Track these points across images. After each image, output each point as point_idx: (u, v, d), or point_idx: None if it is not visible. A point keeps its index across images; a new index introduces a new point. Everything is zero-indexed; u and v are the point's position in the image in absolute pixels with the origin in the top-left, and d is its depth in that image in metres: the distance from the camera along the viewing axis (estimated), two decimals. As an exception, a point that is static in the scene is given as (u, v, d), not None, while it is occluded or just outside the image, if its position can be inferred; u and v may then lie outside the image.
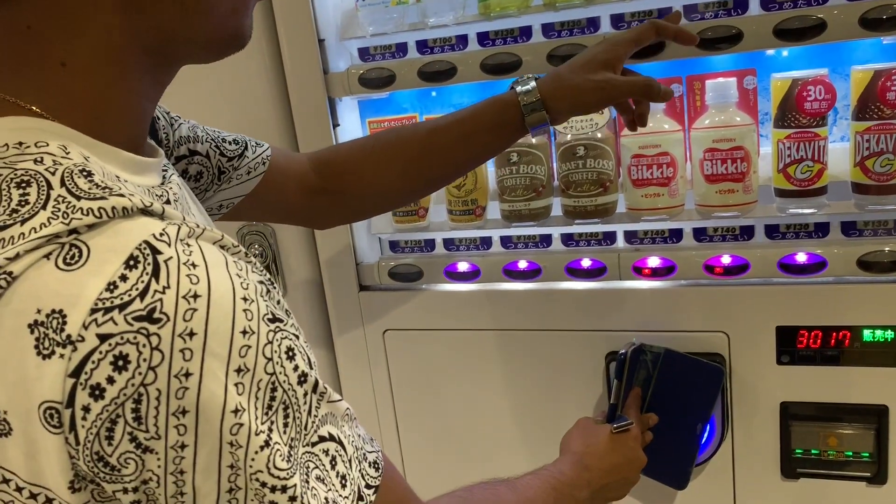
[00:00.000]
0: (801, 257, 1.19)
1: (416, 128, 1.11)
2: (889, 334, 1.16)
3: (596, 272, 1.30)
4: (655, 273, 1.27)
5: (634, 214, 1.27)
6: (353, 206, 1.11)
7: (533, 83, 1.00)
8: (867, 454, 1.22)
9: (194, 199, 0.76)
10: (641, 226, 1.28)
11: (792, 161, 1.18)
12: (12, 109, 0.58)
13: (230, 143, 0.98)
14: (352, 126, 1.43)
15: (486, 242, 1.38)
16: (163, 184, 0.66)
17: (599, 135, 1.26)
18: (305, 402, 0.56)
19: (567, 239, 1.33)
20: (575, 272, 1.31)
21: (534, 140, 1.29)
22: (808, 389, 1.23)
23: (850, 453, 1.23)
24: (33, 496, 0.52)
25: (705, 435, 1.24)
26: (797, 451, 1.26)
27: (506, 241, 1.37)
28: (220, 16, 0.64)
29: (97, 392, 0.49)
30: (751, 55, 1.22)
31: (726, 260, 1.23)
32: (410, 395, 1.45)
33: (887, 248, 1.16)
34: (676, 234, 1.27)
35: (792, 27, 1.11)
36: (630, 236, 1.30)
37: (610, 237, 1.31)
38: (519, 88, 1.01)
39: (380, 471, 0.62)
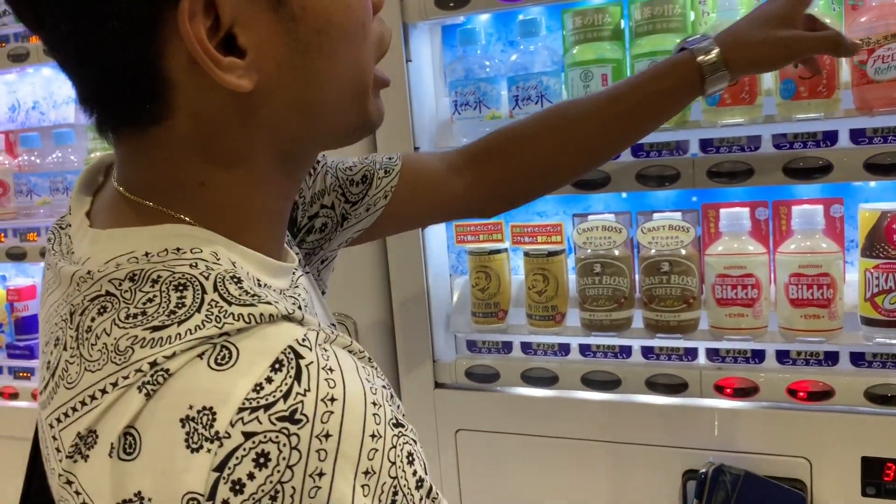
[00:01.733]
0: (889, 389, 1.18)
1: (582, 100, 1.06)
2: (983, 474, 1.13)
3: (677, 388, 1.30)
4: (737, 393, 1.26)
5: (717, 333, 1.28)
6: (515, 188, 1.04)
7: (711, 43, 0.95)
8: None
9: (318, 292, 0.81)
10: (724, 344, 1.29)
11: (880, 291, 1.19)
12: (169, 218, 0.64)
13: (357, 184, 0.95)
14: (437, 230, 1.49)
15: (565, 349, 1.40)
16: (293, 286, 0.71)
17: (684, 252, 1.29)
18: (425, 501, 0.58)
19: (647, 352, 1.34)
20: (654, 386, 1.31)
21: (618, 252, 1.33)
22: (895, 525, 1.19)
23: None
24: None
25: (785, 564, 1.21)
26: (882, 589, 1.21)
27: (585, 349, 1.39)
28: (342, 112, 0.67)
29: (238, 487, 0.52)
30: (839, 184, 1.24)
31: (811, 385, 1.22)
32: (479, 497, 1.45)
33: (979, 385, 1.14)
34: (759, 355, 1.28)
35: (883, 162, 1.14)
36: (712, 354, 1.30)
37: (691, 353, 1.32)
38: (696, 48, 0.95)
39: None
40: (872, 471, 1.19)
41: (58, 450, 0.58)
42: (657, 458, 1.31)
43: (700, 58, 0.94)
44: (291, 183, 0.70)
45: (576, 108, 1.01)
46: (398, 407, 0.60)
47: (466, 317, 1.47)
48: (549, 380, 1.39)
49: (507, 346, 1.45)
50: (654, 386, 1.32)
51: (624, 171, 1.29)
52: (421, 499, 0.58)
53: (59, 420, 0.58)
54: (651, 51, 1.26)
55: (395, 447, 0.56)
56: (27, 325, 1.95)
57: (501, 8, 1.34)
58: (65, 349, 0.59)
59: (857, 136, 1.17)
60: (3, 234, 1.90)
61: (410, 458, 0.58)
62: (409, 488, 0.57)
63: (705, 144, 1.25)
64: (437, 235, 1.48)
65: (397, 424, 0.57)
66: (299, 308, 0.67)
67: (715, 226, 1.32)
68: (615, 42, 1.32)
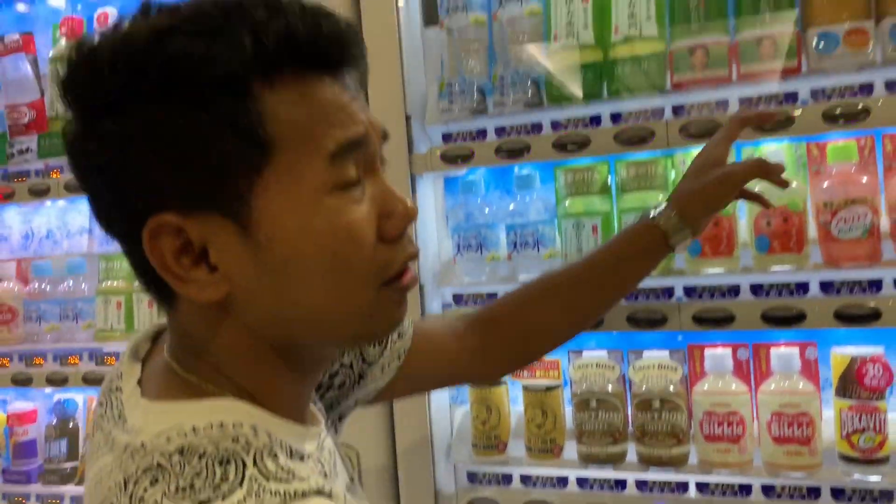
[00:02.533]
0: (869, 522, 1.26)
1: (567, 268, 1.14)
2: None
3: (669, 520, 1.37)
4: (727, 526, 1.33)
5: (706, 467, 1.36)
6: (513, 353, 1.11)
7: (666, 207, 1.05)
8: None
9: (338, 447, 0.87)
10: (713, 478, 1.36)
11: (855, 430, 1.28)
12: (212, 392, 0.70)
13: (373, 345, 1.00)
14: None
15: (563, 481, 1.47)
16: (319, 447, 0.77)
17: (673, 389, 1.38)
18: None
19: (641, 484, 1.41)
20: (649, 518, 1.38)
21: (611, 389, 1.42)
22: None
23: None
24: None
25: None
26: None
27: (581, 482, 1.45)
28: (330, 327, 0.70)
29: None
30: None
31: (796, 519, 1.30)
32: None
33: (952, 519, 1.22)
34: (746, 489, 1.35)
35: (851, 313, 1.26)
36: (702, 487, 1.38)
37: (682, 486, 1.39)
38: (654, 213, 1.06)
39: None
40: None
41: None
42: (654, 590, 1.36)
43: (661, 222, 1.05)
44: (306, 369, 0.75)
45: (562, 279, 1.10)
46: None
47: (467, 447, 1.54)
48: (547, 511, 1.45)
49: (507, 478, 1.51)
50: (649, 518, 1.38)
51: (615, 314, 1.39)
52: None
53: None
54: (636, 206, 1.39)
55: None
56: (25, 451, 1.97)
57: (500, 164, 1.48)
58: None
59: (826, 287, 1.29)
60: (7, 359, 1.94)
61: None
62: None
63: (689, 291, 1.37)
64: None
65: None
66: (325, 476, 0.73)
67: (700, 365, 1.41)
68: (603, 196, 1.45)
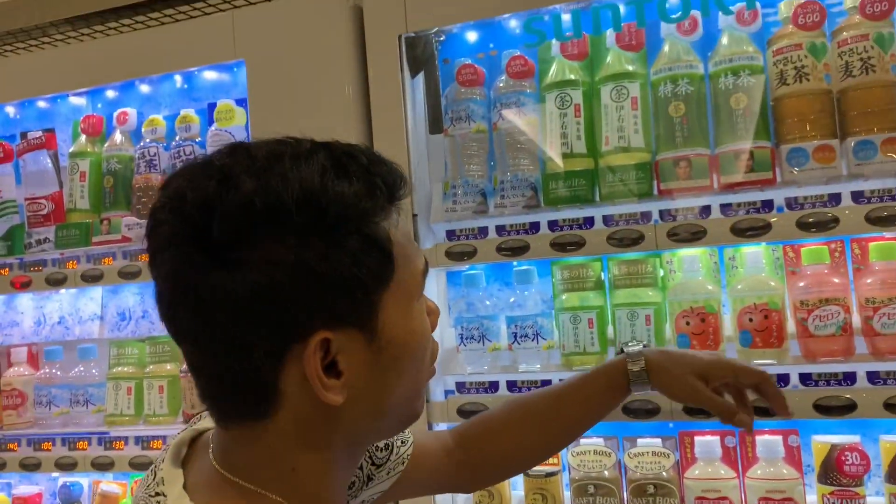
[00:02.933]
0: None
1: (541, 395, 1.23)
2: None
3: None
4: None
5: (702, 549, 1.44)
6: (494, 469, 1.22)
7: (642, 361, 1.12)
8: None
9: None
10: (706, 561, 1.44)
11: (837, 514, 1.37)
12: (264, 498, 0.77)
13: (381, 450, 1.09)
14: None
15: (562, 565, 1.53)
16: None
17: (665, 474, 1.47)
18: None
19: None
20: None
21: (608, 475, 1.49)
22: None
23: None
24: None
25: None
26: None
27: (580, 565, 1.52)
28: (400, 411, 0.83)
29: None
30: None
31: None
32: None
33: None
34: (738, 572, 1.42)
35: (828, 404, 1.36)
36: (696, 571, 1.45)
37: (677, 570, 1.46)
38: (629, 362, 1.13)
39: None
40: None
41: None
42: None
43: (629, 366, 1.13)
44: (355, 462, 0.87)
45: (540, 406, 1.20)
46: None
47: (468, 532, 1.60)
48: None
49: (509, 561, 1.57)
50: None
51: (611, 404, 1.48)
52: None
53: None
54: (629, 301, 1.50)
55: None
56: (29, 535, 1.99)
57: (501, 261, 1.59)
58: None
59: (805, 379, 1.40)
60: (16, 444, 1.97)
61: None
62: None
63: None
64: (442, 454, 1.63)
65: None
66: None
67: (691, 451, 1.50)
68: (597, 291, 1.56)
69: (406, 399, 0.82)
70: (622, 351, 1.16)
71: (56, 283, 1.93)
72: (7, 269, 2.00)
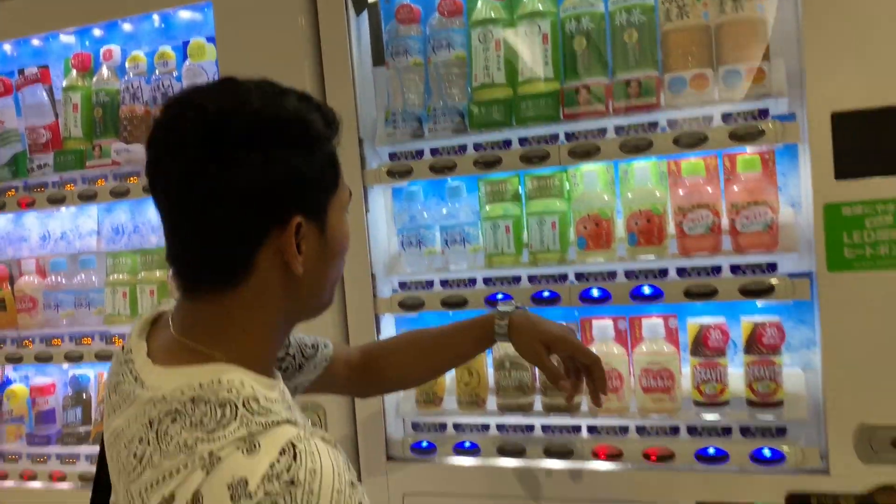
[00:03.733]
0: (712, 450, 1.65)
1: (428, 334, 1.54)
2: (776, 510, 1.60)
3: (566, 453, 1.75)
4: (609, 457, 1.72)
5: (593, 412, 1.75)
6: (384, 383, 1.56)
7: (506, 323, 1.40)
8: None
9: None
10: (599, 421, 1.75)
11: (702, 381, 1.68)
12: (211, 358, 1.00)
13: (309, 347, 1.42)
14: (389, 334, 1.95)
15: (485, 427, 1.85)
16: (281, 391, 1.11)
17: (569, 353, 1.77)
18: None
19: (545, 428, 1.80)
20: (550, 453, 1.76)
21: (522, 354, 1.80)
22: (723, 552, 1.64)
23: None
24: None
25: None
26: None
27: (500, 427, 1.84)
28: (322, 298, 1.11)
29: None
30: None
31: (659, 450, 1.69)
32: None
33: (776, 448, 1.62)
34: (624, 429, 1.74)
35: (698, 291, 1.65)
36: (591, 429, 1.77)
37: (577, 428, 1.78)
38: (499, 313, 1.41)
39: None
40: (704, 511, 1.65)
41: None
42: (554, 509, 1.74)
43: (497, 324, 1.41)
44: (285, 336, 1.12)
45: (420, 341, 1.53)
46: (354, 473, 0.98)
47: (411, 403, 1.92)
48: (473, 451, 1.83)
49: (442, 426, 1.89)
50: (550, 453, 1.77)
51: (522, 293, 1.77)
52: None
53: (146, 489, 0.92)
54: (540, 210, 1.77)
55: (350, 498, 0.93)
56: (46, 418, 2.32)
57: (434, 178, 1.86)
58: (149, 444, 0.94)
59: (680, 271, 1.68)
60: (30, 341, 2.29)
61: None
62: None
63: (579, 276, 1.75)
64: (389, 333, 1.94)
65: (352, 485, 0.95)
66: (289, 408, 1.07)
67: (590, 333, 1.80)
68: (515, 202, 1.83)
69: (329, 287, 1.10)
70: (497, 304, 1.46)
71: (56, 201, 2.20)
72: (13, 191, 2.28)
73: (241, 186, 0.94)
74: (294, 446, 0.90)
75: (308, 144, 0.99)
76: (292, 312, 1.08)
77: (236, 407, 0.93)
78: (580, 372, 1.43)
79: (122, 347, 1.11)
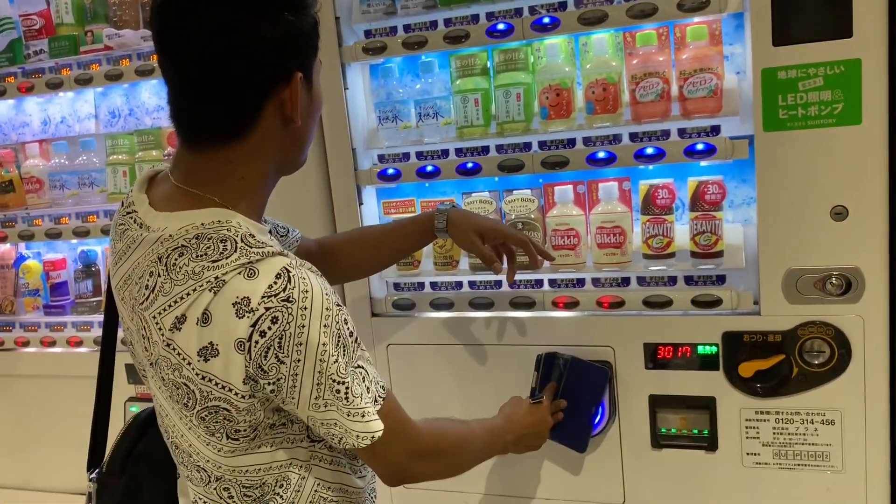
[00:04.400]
0: (660, 298, 1.85)
1: (378, 229, 1.75)
2: (712, 349, 1.80)
3: (529, 305, 1.95)
4: (566, 306, 1.93)
5: (555, 267, 1.94)
6: (338, 271, 1.66)
7: (444, 219, 1.63)
8: (706, 431, 1.84)
9: None
10: (558, 275, 1.95)
11: (650, 236, 1.85)
12: (211, 202, 1.16)
13: (282, 227, 1.56)
14: (371, 205, 2.12)
15: (458, 285, 2.05)
16: (270, 236, 1.29)
17: (532, 215, 1.94)
18: (352, 345, 1.14)
19: (512, 284, 1.99)
20: (516, 305, 1.97)
21: (490, 216, 1.97)
22: (667, 386, 1.86)
23: (696, 431, 1.86)
24: (221, 387, 1.09)
25: (598, 416, 1.86)
26: (662, 429, 1.88)
27: (472, 284, 2.04)
28: (300, 155, 1.27)
29: (263, 333, 1.06)
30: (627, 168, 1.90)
31: (611, 298, 1.89)
32: (406, 391, 2.08)
33: (715, 294, 1.81)
34: (581, 282, 1.94)
35: (647, 153, 1.80)
36: (552, 282, 1.96)
37: (539, 283, 1.97)
38: (438, 212, 1.64)
39: (385, 390, 1.19)
40: (651, 352, 1.86)
41: (160, 329, 1.09)
42: (520, 352, 1.95)
43: (436, 221, 1.64)
44: (271, 189, 1.26)
45: (370, 236, 1.74)
46: (336, 295, 1.18)
47: (392, 266, 2.11)
48: (448, 305, 2.04)
49: (420, 285, 2.09)
50: (515, 305, 1.97)
51: (490, 162, 1.93)
52: (354, 341, 1.14)
53: (160, 313, 1.10)
54: (507, 83, 1.90)
55: (337, 315, 1.11)
56: (60, 290, 2.53)
57: (406, 54, 1.98)
58: (159, 276, 1.11)
59: (633, 137, 1.83)
60: (40, 220, 2.46)
61: (345, 321, 1.13)
62: (346, 335, 1.12)
63: (542, 144, 1.90)
64: (369, 210, 2.11)
65: (338, 304, 1.13)
66: (280, 245, 1.26)
67: (552, 197, 1.97)
68: (484, 76, 1.96)
69: (308, 143, 1.25)
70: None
71: (54, 86, 2.33)
72: (12, 77, 2.40)
73: (255, 45, 1.08)
74: (288, 271, 1.07)
75: (304, 7, 1.14)
76: (281, 164, 1.23)
77: (236, 241, 1.10)
78: (512, 254, 1.72)
79: (122, 203, 1.26)
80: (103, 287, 2.50)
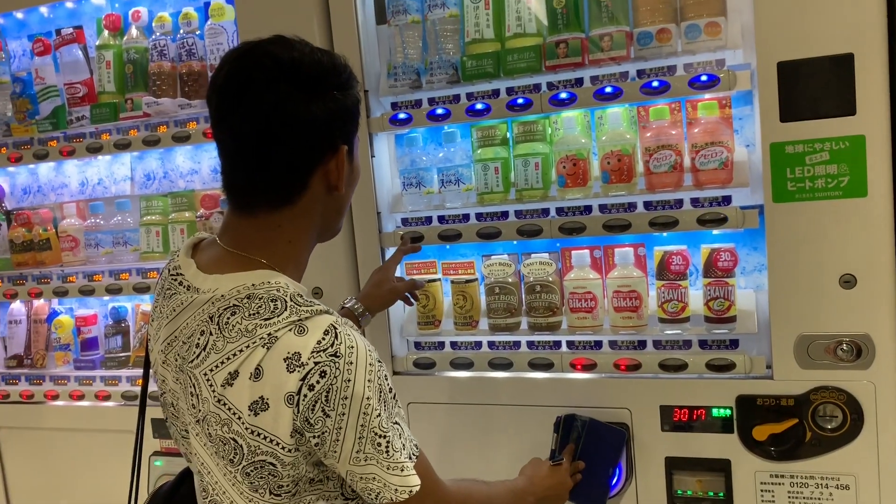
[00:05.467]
0: (675, 361, 1.90)
1: None
2: (727, 412, 1.85)
3: (547, 366, 2.01)
4: (584, 368, 1.98)
5: (572, 330, 2.00)
6: None
7: (356, 302, 1.80)
8: (722, 493, 1.87)
9: None
10: (576, 337, 2.00)
11: (665, 300, 1.92)
12: (259, 264, 1.24)
13: None
14: (394, 266, 2.20)
15: (478, 344, 2.11)
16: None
17: (550, 278, 2.02)
18: (392, 401, 1.20)
19: (530, 344, 2.05)
20: (534, 366, 2.02)
21: (510, 280, 2.04)
22: (683, 448, 1.89)
23: (711, 493, 1.88)
24: (269, 440, 1.14)
25: (615, 478, 1.90)
26: (678, 491, 1.91)
27: (491, 344, 2.10)
28: (341, 223, 1.37)
29: (311, 387, 1.12)
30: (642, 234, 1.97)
31: (628, 361, 1.94)
32: (426, 449, 2.12)
33: (729, 358, 1.86)
34: (598, 344, 1.99)
35: (661, 222, 1.87)
36: (569, 344, 2.02)
37: (557, 344, 2.03)
38: (352, 306, 1.79)
39: (418, 448, 1.24)
40: (666, 414, 1.90)
41: (210, 385, 1.15)
42: (538, 412, 2.00)
43: (350, 307, 1.79)
44: (313, 248, 1.35)
45: None
46: (378, 354, 1.25)
47: (413, 326, 2.18)
48: (467, 365, 2.10)
49: (441, 345, 2.15)
50: (534, 365, 2.03)
51: (509, 227, 2.01)
52: (393, 396, 1.20)
53: (211, 370, 1.16)
54: (525, 152, 2.00)
55: (379, 371, 1.18)
56: (90, 345, 2.61)
57: (430, 126, 2.08)
58: (211, 334, 1.17)
59: (647, 205, 1.91)
60: (74, 277, 2.56)
61: (386, 378, 1.20)
62: (387, 390, 1.19)
63: (559, 211, 1.98)
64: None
65: (379, 361, 1.20)
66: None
67: (569, 261, 2.04)
68: (504, 146, 2.06)
69: (345, 211, 1.36)
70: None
71: (94, 150, 2.45)
72: (55, 141, 2.52)
73: (307, 120, 1.19)
74: (335, 328, 1.15)
75: (350, 86, 1.26)
76: (322, 230, 1.33)
77: (286, 301, 1.17)
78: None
79: (167, 268, 1.34)
80: (132, 343, 2.58)
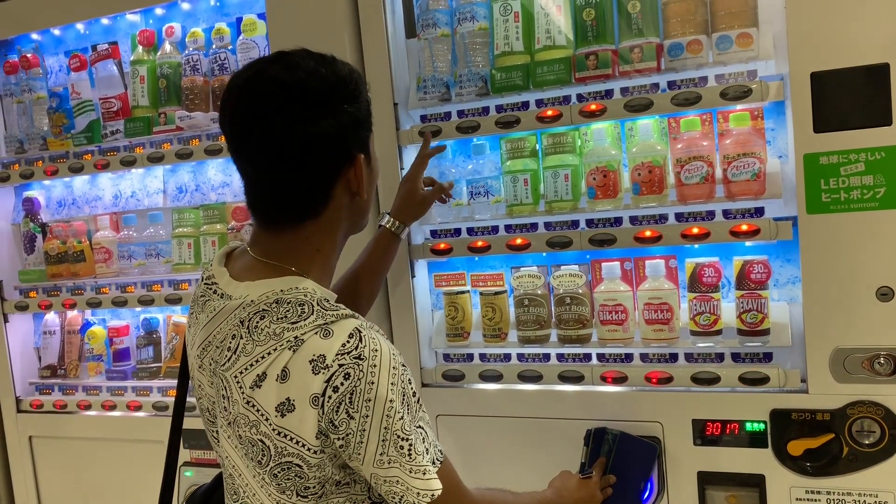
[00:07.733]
0: (708, 374, 1.88)
1: (356, 268, 1.83)
2: (761, 426, 1.82)
3: (577, 379, 2.00)
4: (615, 381, 1.96)
5: (602, 342, 1.99)
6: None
7: (388, 218, 1.86)
8: (756, 510, 1.84)
9: None
10: (607, 350, 1.99)
11: (698, 313, 1.90)
12: (288, 272, 1.28)
13: None
14: (423, 277, 2.20)
15: (507, 357, 2.10)
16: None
17: (580, 290, 2.01)
18: (415, 405, 1.22)
19: (560, 357, 2.04)
20: (564, 378, 2.01)
21: (539, 291, 2.04)
22: (716, 463, 1.87)
23: (745, 509, 1.86)
24: (295, 441, 1.17)
25: (646, 492, 1.88)
26: (711, 507, 1.89)
27: (520, 356, 2.09)
28: (368, 218, 1.40)
29: (336, 388, 1.15)
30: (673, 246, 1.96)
31: (659, 374, 1.92)
32: (455, 461, 2.11)
33: (762, 371, 1.84)
34: (629, 356, 1.98)
35: (692, 233, 1.86)
36: (600, 356, 2.01)
37: (587, 356, 2.02)
38: (383, 223, 1.85)
39: (442, 453, 1.26)
40: (699, 428, 1.88)
41: (240, 387, 1.18)
42: (568, 426, 1.99)
43: (388, 226, 1.85)
44: (343, 245, 1.39)
45: (360, 270, 1.83)
46: (403, 358, 1.27)
47: (442, 338, 2.18)
48: (497, 377, 2.09)
49: (470, 357, 2.15)
50: (564, 378, 2.01)
51: (539, 239, 2.01)
52: (417, 400, 1.22)
53: (241, 372, 1.19)
54: (555, 164, 2.00)
55: (403, 374, 1.20)
56: (122, 356, 2.64)
57: (460, 138, 2.09)
58: (241, 338, 1.20)
59: (678, 217, 1.90)
60: (107, 288, 2.60)
61: (410, 381, 1.22)
62: (410, 394, 1.21)
63: (589, 222, 1.98)
64: (421, 282, 2.20)
65: (404, 364, 1.22)
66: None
67: (599, 273, 2.03)
68: (533, 158, 2.06)
69: (369, 209, 1.39)
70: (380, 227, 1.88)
71: (128, 164, 2.49)
72: (90, 154, 2.57)
73: (321, 137, 1.21)
74: (360, 332, 1.17)
75: (358, 95, 1.27)
76: (349, 230, 1.37)
77: (312, 305, 1.20)
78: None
79: (202, 277, 1.38)
80: (163, 354, 2.61)
